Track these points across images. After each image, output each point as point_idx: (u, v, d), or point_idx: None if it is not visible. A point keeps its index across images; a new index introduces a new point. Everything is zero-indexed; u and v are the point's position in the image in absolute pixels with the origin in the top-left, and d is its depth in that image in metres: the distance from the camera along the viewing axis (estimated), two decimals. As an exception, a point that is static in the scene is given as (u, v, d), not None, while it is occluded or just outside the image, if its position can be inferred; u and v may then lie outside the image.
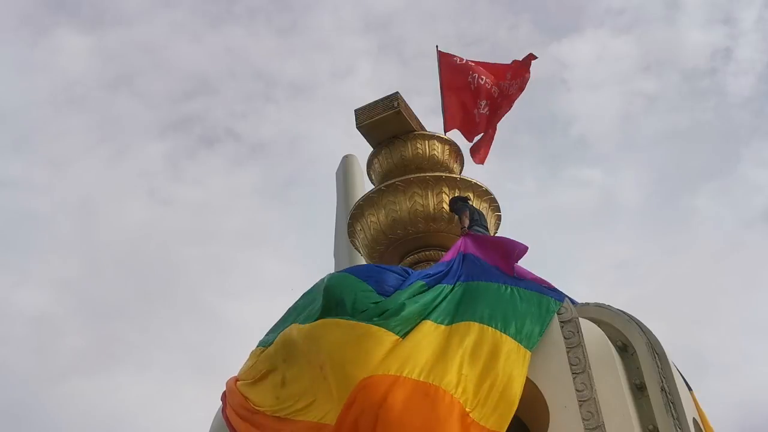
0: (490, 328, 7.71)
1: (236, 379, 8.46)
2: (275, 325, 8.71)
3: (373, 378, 7.03)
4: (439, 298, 8.19)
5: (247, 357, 8.58)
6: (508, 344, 7.58)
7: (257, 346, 8.58)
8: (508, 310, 7.98)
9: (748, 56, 38.05)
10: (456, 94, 12.30)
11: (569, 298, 8.29)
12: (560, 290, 8.60)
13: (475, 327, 7.75)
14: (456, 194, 10.92)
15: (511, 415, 7.12)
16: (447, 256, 9.20)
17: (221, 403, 8.53)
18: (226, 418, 8.22)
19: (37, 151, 35.50)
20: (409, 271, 8.92)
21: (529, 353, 7.56)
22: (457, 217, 10.53)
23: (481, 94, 12.20)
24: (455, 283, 8.53)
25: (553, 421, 7.29)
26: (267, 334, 8.67)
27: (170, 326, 34.00)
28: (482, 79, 12.24)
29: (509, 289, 8.34)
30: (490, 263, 8.89)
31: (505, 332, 7.67)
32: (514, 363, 7.43)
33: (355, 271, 8.70)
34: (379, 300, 8.01)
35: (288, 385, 7.74)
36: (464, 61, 12.46)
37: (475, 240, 9.47)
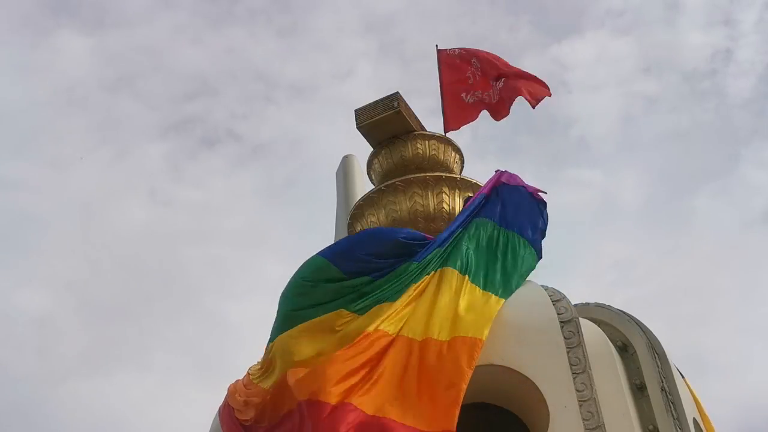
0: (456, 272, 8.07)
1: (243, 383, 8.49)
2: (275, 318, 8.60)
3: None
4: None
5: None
6: (477, 293, 7.93)
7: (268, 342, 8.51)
8: (489, 261, 8.31)
9: (749, 58, 38.16)
10: (455, 90, 12.24)
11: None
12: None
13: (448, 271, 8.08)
14: (456, 194, 10.93)
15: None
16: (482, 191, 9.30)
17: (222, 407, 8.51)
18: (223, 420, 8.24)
19: (38, 152, 35.55)
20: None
21: (501, 300, 7.92)
22: None
23: (480, 84, 12.09)
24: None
25: (553, 421, 7.28)
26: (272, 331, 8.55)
27: (171, 327, 34.03)
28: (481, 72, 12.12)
29: (501, 232, 8.63)
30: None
31: (474, 282, 8.04)
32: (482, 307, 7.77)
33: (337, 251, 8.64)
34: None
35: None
36: (464, 52, 12.35)
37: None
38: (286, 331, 8.02)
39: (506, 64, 11.93)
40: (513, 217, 8.86)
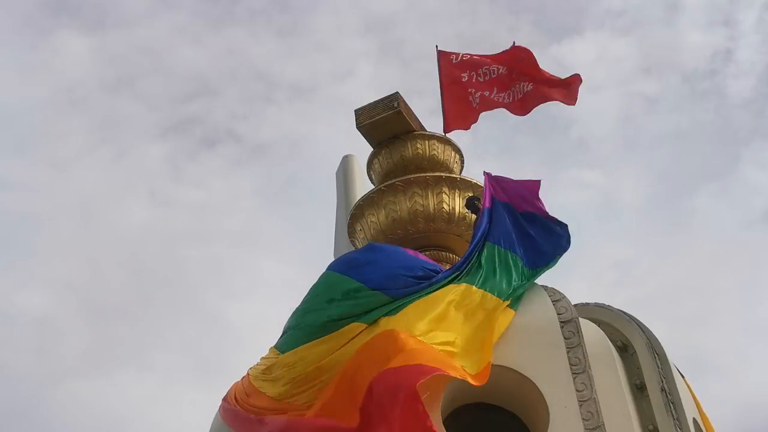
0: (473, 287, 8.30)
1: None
2: (287, 324, 8.67)
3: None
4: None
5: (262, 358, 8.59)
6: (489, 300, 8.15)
7: (273, 347, 8.54)
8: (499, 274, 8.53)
9: (748, 58, 38.18)
10: (455, 90, 12.25)
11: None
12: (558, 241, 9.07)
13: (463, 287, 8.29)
14: (456, 194, 10.95)
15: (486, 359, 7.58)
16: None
17: (222, 404, 8.52)
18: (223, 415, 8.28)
19: (39, 152, 35.58)
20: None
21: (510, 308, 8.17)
22: (468, 213, 10.61)
23: (483, 85, 12.17)
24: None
25: (553, 421, 7.29)
26: (282, 337, 8.61)
27: (171, 327, 34.08)
28: (481, 77, 12.21)
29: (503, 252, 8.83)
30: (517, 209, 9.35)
31: (489, 291, 8.27)
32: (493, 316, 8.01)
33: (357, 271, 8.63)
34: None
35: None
36: (464, 57, 12.41)
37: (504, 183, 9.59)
38: (299, 346, 8.09)
39: (537, 68, 12.06)
40: (507, 237, 9.01)
